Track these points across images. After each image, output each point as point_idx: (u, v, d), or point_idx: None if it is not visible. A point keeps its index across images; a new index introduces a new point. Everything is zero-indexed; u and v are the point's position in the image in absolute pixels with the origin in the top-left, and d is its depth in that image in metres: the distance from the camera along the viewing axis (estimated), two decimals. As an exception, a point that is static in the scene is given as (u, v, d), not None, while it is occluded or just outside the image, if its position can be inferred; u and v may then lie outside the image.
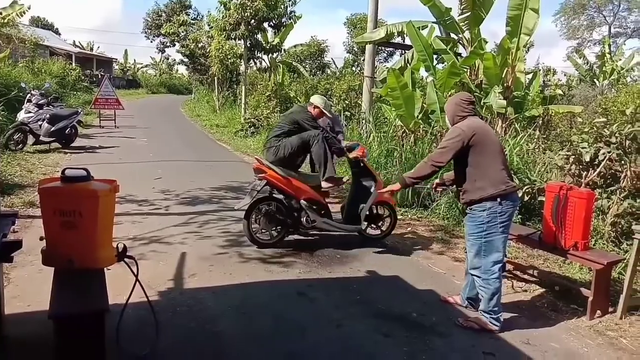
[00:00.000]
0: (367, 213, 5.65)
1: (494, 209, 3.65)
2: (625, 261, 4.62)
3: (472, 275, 3.87)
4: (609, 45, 20.52)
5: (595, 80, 19.35)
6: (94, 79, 33.50)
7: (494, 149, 3.72)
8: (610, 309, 4.14)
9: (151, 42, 44.31)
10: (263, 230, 5.47)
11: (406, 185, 4.05)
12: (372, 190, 5.56)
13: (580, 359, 3.47)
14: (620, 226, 5.40)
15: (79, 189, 2.78)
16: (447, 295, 4.31)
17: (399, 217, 7.05)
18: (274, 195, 5.48)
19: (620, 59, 20.25)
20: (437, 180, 4.60)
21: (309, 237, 5.82)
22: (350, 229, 5.64)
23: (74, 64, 30.67)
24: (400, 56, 12.85)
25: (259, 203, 5.41)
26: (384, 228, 5.93)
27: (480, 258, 3.74)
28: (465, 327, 3.76)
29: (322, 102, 5.78)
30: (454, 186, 4.25)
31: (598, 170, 5.65)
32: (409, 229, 6.58)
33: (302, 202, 5.39)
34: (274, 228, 5.47)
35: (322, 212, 5.55)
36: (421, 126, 9.25)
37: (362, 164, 5.66)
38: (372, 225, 5.94)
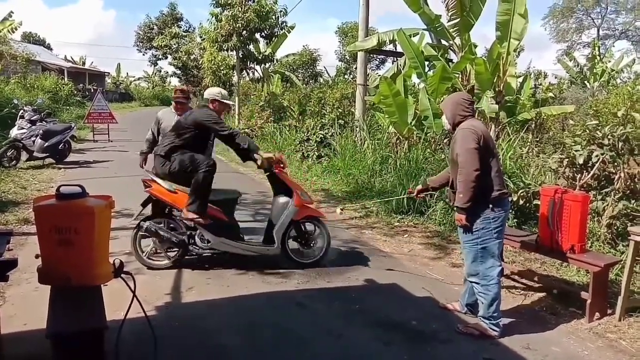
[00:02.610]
0: (286, 232, 5.14)
1: (487, 215, 3.64)
2: (622, 262, 4.64)
3: (470, 282, 3.86)
4: (598, 48, 20.74)
5: (586, 82, 19.51)
6: (87, 94, 33.46)
7: (493, 154, 3.71)
8: (609, 311, 4.15)
9: (143, 55, 44.43)
10: (157, 252, 5.06)
11: (465, 212, 3.66)
12: (288, 205, 5.10)
13: (580, 362, 3.47)
14: (615, 228, 5.42)
15: (74, 206, 2.77)
16: (446, 302, 4.30)
17: (395, 224, 7.08)
18: (166, 211, 5.14)
19: (610, 61, 20.46)
20: (418, 187, 4.60)
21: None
22: (257, 249, 5.10)
23: (66, 79, 30.67)
24: (392, 63, 12.91)
25: (146, 221, 4.98)
26: (316, 247, 5.30)
27: (477, 265, 3.74)
28: (465, 334, 3.75)
29: (219, 93, 5.19)
30: (438, 190, 4.21)
31: (592, 172, 5.68)
32: (405, 236, 6.58)
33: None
34: (168, 249, 5.02)
35: (225, 230, 5.03)
36: (415, 132, 9.28)
37: (274, 174, 5.16)
38: (304, 245, 5.30)
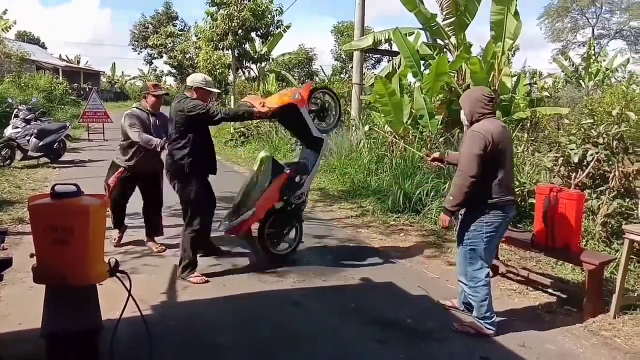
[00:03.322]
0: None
1: (481, 218, 3.61)
2: (616, 261, 4.66)
3: (460, 282, 3.86)
4: (593, 47, 20.80)
5: (581, 81, 19.59)
6: (82, 93, 33.34)
7: (503, 158, 3.59)
8: (604, 309, 4.16)
9: (138, 54, 44.29)
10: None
11: (452, 214, 3.69)
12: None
13: (575, 360, 3.49)
14: (610, 226, 5.45)
15: (69, 204, 2.76)
16: (445, 300, 4.30)
17: (391, 222, 7.09)
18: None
19: (604, 60, 20.54)
20: (436, 154, 4.49)
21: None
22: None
23: (61, 78, 30.55)
24: (388, 62, 12.93)
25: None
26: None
27: (465, 266, 3.74)
28: (461, 332, 3.76)
29: (202, 80, 4.79)
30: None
31: (587, 171, 5.70)
32: (401, 234, 6.59)
33: None
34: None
35: None
36: (410, 131, 9.30)
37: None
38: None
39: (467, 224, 3.69)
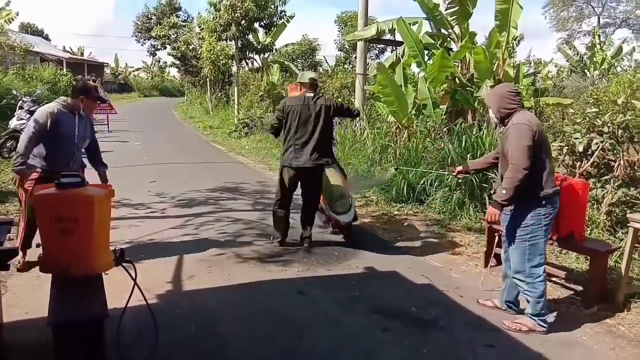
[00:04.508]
0: None
1: (539, 211, 3.54)
2: (621, 249, 4.66)
3: (515, 279, 3.72)
4: (599, 36, 20.64)
5: (586, 71, 19.44)
6: (86, 84, 33.25)
7: (547, 147, 3.60)
8: (608, 298, 4.17)
9: (142, 45, 44.04)
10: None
11: (502, 206, 3.59)
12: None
13: (579, 348, 3.50)
14: (615, 215, 5.44)
15: (74, 195, 2.77)
16: (484, 299, 4.15)
17: (395, 212, 7.10)
18: None
19: (609, 49, 20.36)
20: (459, 167, 4.49)
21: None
22: None
23: (65, 70, 30.50)
24: (392, 52, 12.86)
25: None
26: None
27: (523, 263, 3.62)
28: (513, 330, 3.65)
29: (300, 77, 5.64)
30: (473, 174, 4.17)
31: (591, 160, 5.68)
32: (405, 224, 6.59)
33: None
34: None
35: None
36: (414, 122, 9.27)
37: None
38: None
39: (523, 218, 3.58)
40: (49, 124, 4.34)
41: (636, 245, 4.62)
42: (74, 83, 27.36)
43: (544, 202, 3.54)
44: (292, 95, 5.54)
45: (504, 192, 3.51)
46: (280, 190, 5.42)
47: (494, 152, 4.28)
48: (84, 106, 4.59)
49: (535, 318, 3.64)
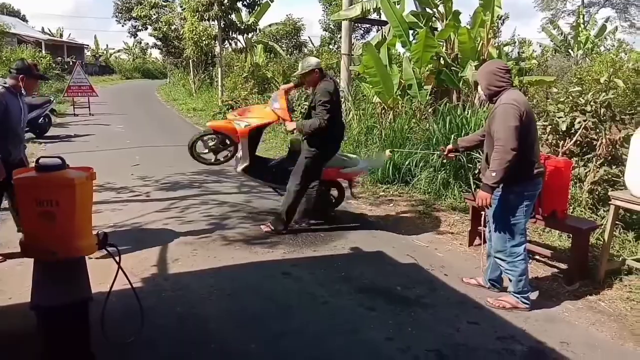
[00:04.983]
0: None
1: (521, 191, 3.56)
2: (602, 227, 4.73)
3: (496, 258, 3.76)
4: (582, 16, 20.69)
5: (570, 50, 19.54)
6: (66, 67, 32.66)
7: (534, 128, 3.57)
8: (589, 274, 4.24)
9: (122, 26, 43.09)
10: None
11: (492, 188, 3.53)
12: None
13: (560, 323, 3.57)
14: (597, 193, 5.51)
15: (54, 177, 2.73)
16: (468, 278, 4.20)
17: (381, 193, 7.12)
18: None
19: (593, 29, 20.45)
20: (449, 146, 4.40)
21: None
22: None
23: (43, 52, 29.89)
24: (377, 32, 12.77)
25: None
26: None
27: (504, 241, 3.65)
28: (497, 307, 3.70)
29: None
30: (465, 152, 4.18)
31: (574, 139, 5.73)
32: (390, 205, 6.62)
33: None
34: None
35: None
36: (400, 102, 9.25)
37: None
38: None
39: (506, 198, 3.59)
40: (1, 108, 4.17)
41: (617, 222, 4.70)
42: (53, 66, 26.86)
43: (526, 183, 3.56)
44: (284, 97, 5.35)
45: (493, 174, 3.46)
46: (315, 176, 5.26)
47: (481, 130, 4.27)
48: (24, 85, 4.41)
49: (518, 296, 3.69)
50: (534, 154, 3.57)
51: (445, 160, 6.67)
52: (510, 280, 3.71)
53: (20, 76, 4.35)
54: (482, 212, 3.95)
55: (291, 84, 5.80)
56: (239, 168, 5.54)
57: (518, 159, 3.42)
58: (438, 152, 5.49)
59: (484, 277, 4.08)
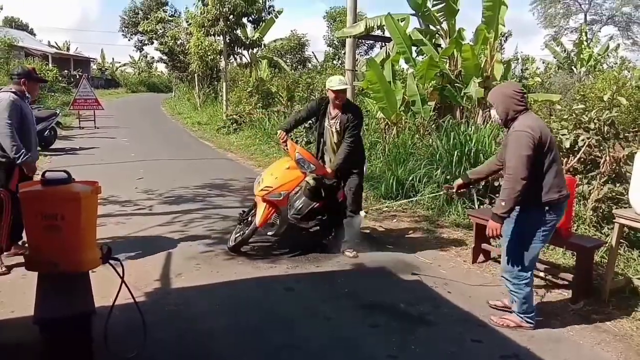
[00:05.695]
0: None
1: (539, 217, 3.44)
2: (607, 245, 4.71)
3: (503, 277, 3.69)
4: (585, 33, 20.80)
5: (573, 67, 19.61)
6: (72, 80, 32.93)
7: (554, 152, 3.44)
8: (594, 293, 4.21)
9: (129, 40, 43.37)
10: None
11: (503, 220, 3.44)
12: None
13: (565, 343, 3.53)
14: (601, 211, 5.49)
15: (60, 191, 2.75)
16: (494, 300, 4.03)
17: (384, 208, 7.11)
18: None
19: (596, 46, 20.56)
20: (458, 182, 4.20)
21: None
22: None
23: (50, 65, 30.13)
24: (381, 49, 12.86)
25: None
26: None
27: (513, 264, 3.56)
28: (502, 326, 3.65)
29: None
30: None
31: (578, 156, 5.73)
32: (394, 220, 6.61)
33: None
34: None
35: None
36: (403, 118, 9.29)
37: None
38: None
39: (523, 223, 3.49)
40: (16, 113, 4.48)
41: (621, 240, 4.68)
42: (60, 79, 27.08)
43: (547, 209, 3.42)
44: (307, 154, 5.10)
45: (502, 204, 3.37)
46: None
47: (496, 157, 4.09)
48: (27, 89, 4.70)
49: (522, 315, 3.65)
50: (553, 179, 3.40)
51: (456, 196, 6.54)
52: (514, 301, 3.66)
53: (22, 80, 4.63)
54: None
55: (284, 135, 5.12)
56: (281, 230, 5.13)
57: (536, 185, 3.33)
58: (443, 192, 5.31)
59: (510, 298, 3.87)
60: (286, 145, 5.11)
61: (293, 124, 5.34)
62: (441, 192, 5.31)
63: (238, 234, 5.14)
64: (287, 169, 5.04)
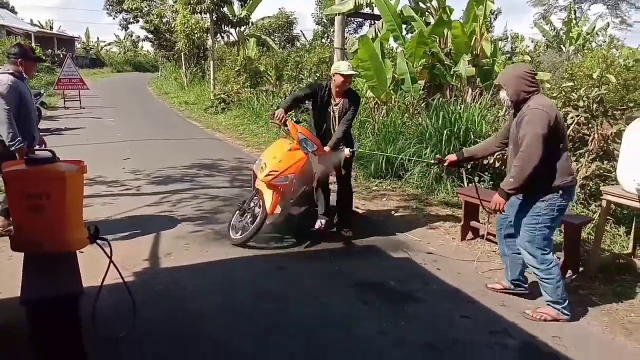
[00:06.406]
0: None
1: (554, 202, 3.36)
2: (594, 222, 4.76)
3: (531, 268, 3.56)
4: (574, 11, 20.77)
5: (562, 46, 19.61)
6: (56, 59, 32.36)
7: (564, 134, 3.40)
8: (581, 269, 4.26)
9: (114, 18, 42.75)
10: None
11: (509, 195, 3.40)
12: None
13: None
14: (588, 188, 5.54)
15: (45, 170, 2.69)
16: (493, 284, 4.02)
17: (373, 187, 7.11)
18: None
19: (585, 24, 20.54)
20: (452, 157, 4.13)
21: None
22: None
23: (33, 44, 29.51)
24: (370, 27, 12.73)
25: None
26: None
27: (534, 250, 3.47)
28: (537, 319, 3.50)
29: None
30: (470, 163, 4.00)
31: (567, 134, 5.74)
32: (383, 199, 6.62)
33: None
34: None
35: None
36: (393, 97, 9.24)
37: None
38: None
39: (537, 207, 3.40)
40: (15, 97, 4.38)
41: (608, 217, 4.73)
42: (43, 58, 26.54)
43: (560, 192, 3.36)
44: (308, 133, 4.86)
45: (511, 180, 3.32)
46: None
47: (496, 137, 4.02)
48: (25, 69, 4.62)
49: (558, 307, 3.50)
50: (566, 162, 3.37)
51: (439, 168, 6.54)
52: (546, 291, 3.52)
53: (19, 60, 4.54)
54: (484, 211, 3.83)
55: (283, 114, 4.77)
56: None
57: (549, 167, 3.30)
58: (433, 162, 5.00)
59: (507, 279, 3.91)
60: (285, 125, 4.80)
61: (292, 103, 5.03)
62: (432, 162, 5.05)
63: (241, 226, 4.80)
64: (290, 151, 4.73)
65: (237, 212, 4.95)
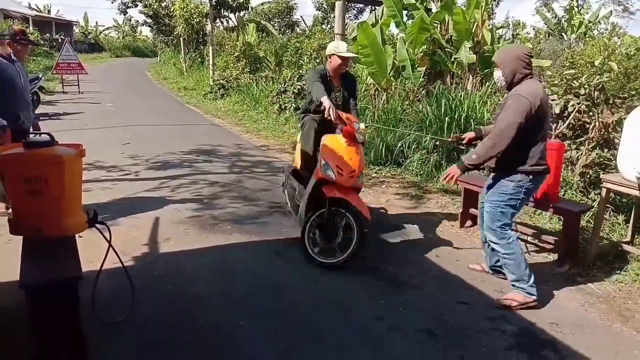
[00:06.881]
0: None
1: (522, 184, 3.43)
2: (593, 210, 4.76)
3: (490, 244, 3.65)
4: (577, -1, 20.60)
5: (563, 34, 19.48)
6: (54, 44, 32.13)
7: (546, 122, 3.44)
8: (579, 256, 4.27)
9: (112, 2, 42.33)
10: None
11: (466, 169, 3.50)
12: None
13: (551, 304, 3.59)
14: (588, 176, 5.53)
15: (43, 154, 2.67)
16: (474, 264, 4.12)
17: (373, 175, 7.10)
18: None
19: (587, 12, 20.40)
20: (470, 134, 4.10)
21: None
22: None
23: (31, 28, 29.29)
24: (371, 13, 12.63)
25: None
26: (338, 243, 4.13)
27: (493, 224, 3.54)
28: (506, 307, 3.48)
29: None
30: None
31: (567, 122, 5.73)
32: (382, 186, 6.61)
33: None
34: None
35: None
36: (393, 84, 9.19)
37: None
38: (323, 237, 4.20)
39: (505, 186, 3.47)
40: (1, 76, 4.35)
41: (607, 205, 4.73)
42: (42, 42, 26.35)
43: (530, 177, 3.43)
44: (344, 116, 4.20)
45: (474, 157, 3.42)
46: None
47: None
48: (14, 52, 4.58)
49: (523, 285, 3.49)
50: (540, 149, 3.41)
51: (441, 147, 6.42)
52: (509, 269, 3.56)
53: (7, 41, 4.52)
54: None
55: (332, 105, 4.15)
56: None
57: (525, 151, 3.35)
58: (450, 140, 4.49)
59: (487, 263, 3.99)
60: (337, 117, 4.08)
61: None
62: (450, 140, 4.47)
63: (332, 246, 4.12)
64: (349, 146, 4.10)
65: (314, 229, 4.20)
